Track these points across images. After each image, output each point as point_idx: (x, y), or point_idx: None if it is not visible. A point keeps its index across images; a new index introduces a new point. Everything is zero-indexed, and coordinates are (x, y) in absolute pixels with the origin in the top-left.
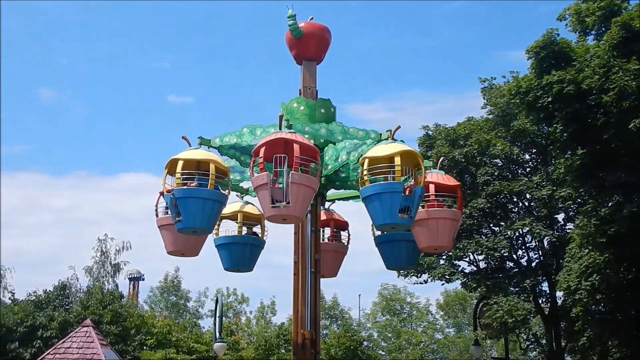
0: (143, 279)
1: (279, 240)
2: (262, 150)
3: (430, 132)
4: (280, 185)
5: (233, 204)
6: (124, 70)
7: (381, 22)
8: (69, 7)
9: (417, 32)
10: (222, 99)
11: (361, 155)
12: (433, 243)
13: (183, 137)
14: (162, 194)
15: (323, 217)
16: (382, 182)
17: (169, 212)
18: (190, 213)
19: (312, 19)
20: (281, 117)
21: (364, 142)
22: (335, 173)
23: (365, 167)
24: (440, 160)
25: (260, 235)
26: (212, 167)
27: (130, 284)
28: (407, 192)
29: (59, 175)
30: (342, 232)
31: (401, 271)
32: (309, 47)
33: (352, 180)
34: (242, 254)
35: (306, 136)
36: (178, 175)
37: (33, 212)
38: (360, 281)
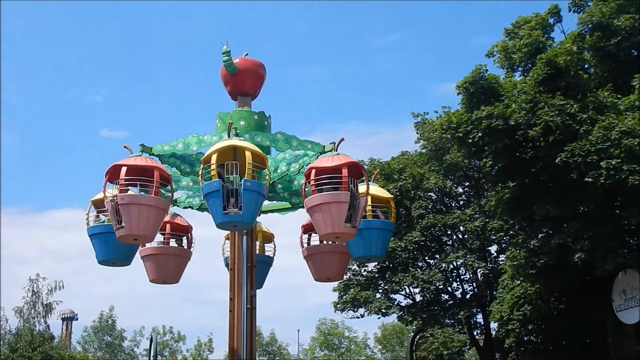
0: (77, 319)
1: (216, 275)
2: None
3: (365, 167)
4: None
5: None
6: (55, 103)
7: (317, 55)
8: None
9: (354, 65)
10: (156, 133)
11: (302, 166)
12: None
13: (125, 146)
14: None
15: None
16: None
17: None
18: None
19: (247, 54)
20: (230, 124)
21: (306, 154)
22: (271, 184)
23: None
24: (375, 173)
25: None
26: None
27: (63, 324)
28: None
29: None
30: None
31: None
32: (244, 82)
33: (288, 192)
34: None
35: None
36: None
37: None
38: (299, 316)
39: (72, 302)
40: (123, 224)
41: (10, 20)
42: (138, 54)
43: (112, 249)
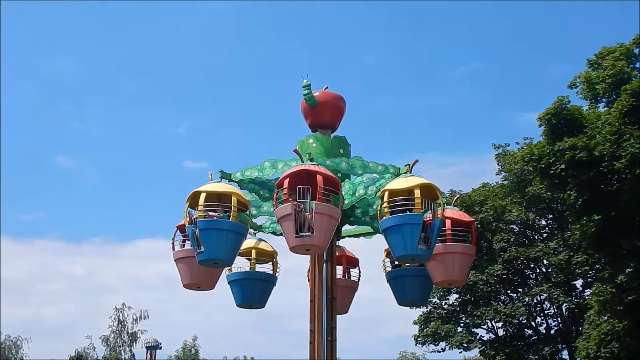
0: (160, 348)
1: (297, 305)
2: (286, 181)
3: (445, 199)
4: (305, 216)
5: (247, 240)
6: (139, 135)
7: (394, 86)
8: (83, 72)
9: (433, 95)
10: (236, 164)
11: (379, 189)
12: (448, 277)
13: (294, 151)
14: (179, 227)
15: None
16: (402, 214)
17: (190, 245)
18: (212, 245)
19: (327, 87)
20: (296, 151)
21: (382, 177)
22: (351, 208)
23: (385, 199)
24: (455, 197)
25: (272, 271)
26: (234, 199)
27: (147, 352)
28: (426, 225)
29: (76, 242)
30: (352, 269)
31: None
32: (324, 115)
33: (368, 216)
34: (254, 290)
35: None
36: (200, 207)
37: (51, 280)
38: (380, 348)
39: (156, 330)
40: (313, 233)
41: (96, 55)
42: (218, 86)
43: (216, 247)
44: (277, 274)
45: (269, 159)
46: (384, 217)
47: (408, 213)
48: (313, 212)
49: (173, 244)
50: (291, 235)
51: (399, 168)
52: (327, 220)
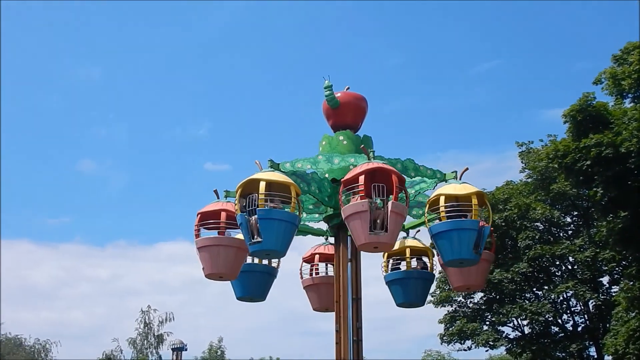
0: (186, 349)
1: None
2: (362, 178)
3: None
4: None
5: None
6: (161, 138)
7: (413, 86)
8: (106, 78)
9: (455, 93)
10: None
11: (418, 192)
12: (467, 283)
13: (362, 147)
14: (200, 214)
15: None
16: (461, 220)
17: (242, 233)
18: (271, 235)
19: (348, 88)
20: (364, 148)
21: (423, 180)
22: None
23: (441, 203)
24: None
25: (271, 264)
26: (293, 190)
27: (173, 354)
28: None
29: (100, 245)
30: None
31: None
32: (346, 116)
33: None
34: (255, 283)
35: None
36: (261, 195)
37: (76, 283)
38: (405, 347)
39: (181, 333)
40: (387, 232)
41: (118, 61)
42: (239, 88)
43: (274, 238)
44: (278, 267)
45: (323, 153)
46: (439, 221)
47: (465, 219)
48: (389, 210)
49: (197, 230)
50: (364, 232)
51: (445, 174)
52: (400, 220)
